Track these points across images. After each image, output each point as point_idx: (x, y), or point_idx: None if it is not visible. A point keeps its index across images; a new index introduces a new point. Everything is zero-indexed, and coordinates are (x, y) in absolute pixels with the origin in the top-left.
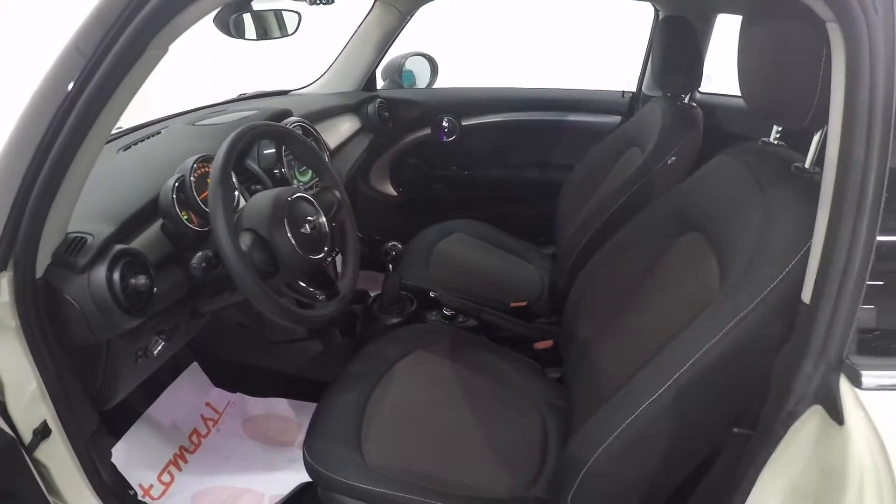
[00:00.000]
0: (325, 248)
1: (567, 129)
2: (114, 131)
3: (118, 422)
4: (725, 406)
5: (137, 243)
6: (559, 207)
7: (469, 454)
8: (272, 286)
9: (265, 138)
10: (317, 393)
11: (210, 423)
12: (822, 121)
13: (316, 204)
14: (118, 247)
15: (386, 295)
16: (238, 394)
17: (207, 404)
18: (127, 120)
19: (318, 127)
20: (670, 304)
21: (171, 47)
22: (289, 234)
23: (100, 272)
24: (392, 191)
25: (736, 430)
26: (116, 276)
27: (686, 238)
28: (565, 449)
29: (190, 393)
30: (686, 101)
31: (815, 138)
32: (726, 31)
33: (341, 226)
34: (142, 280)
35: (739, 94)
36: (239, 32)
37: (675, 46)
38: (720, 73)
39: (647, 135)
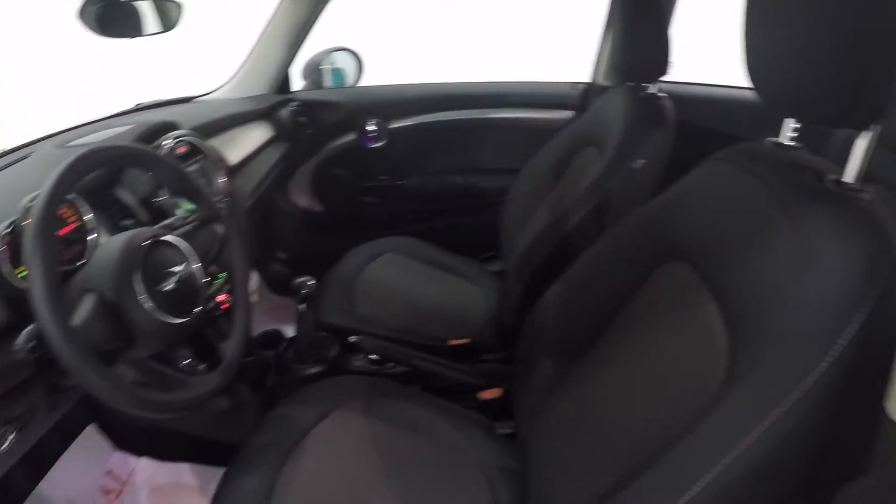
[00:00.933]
0: (199, 307)
1: (512, 128)
2: None
3: None
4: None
5: None
6: (505, 219)
7: None
8: (132, 363)
9: (107, 166)
10: (229, 456)
11: (112, 497)
12: (874, 115)
13: (185, 246)
14: None
15: (301, 340)
16: (143, 459)
17: (109, 473)
18: None
19: (217, 139)
20: (662, 355)
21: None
22: (142, 295)
23: None
24: (315, 206)
25: None
26: None
27: (668, 269)
28: None
29: (87, 462)
30: (651, 91)
31: (863, 143)
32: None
33: (227, 269)
34: None
35: (710, 82)
36: (108, 28)
37: (638, 24)
38: (681, 57)
39: (606, 132)
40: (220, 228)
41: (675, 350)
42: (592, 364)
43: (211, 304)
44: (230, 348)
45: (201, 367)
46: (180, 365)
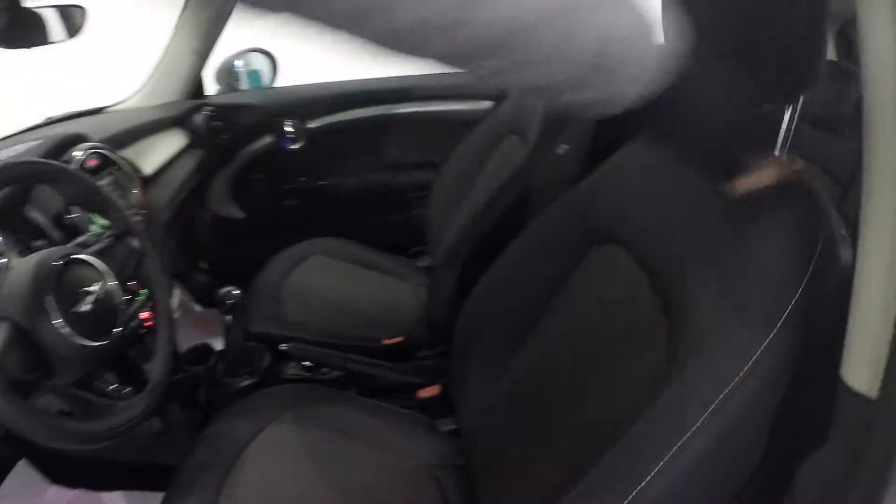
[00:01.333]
0: (119, 327)
1: (432, 122)
2: None
3: None
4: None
5: None
6: (430, 213)
7: None
8: (55, 392)
9: (13, 184)
10: (167, 479)
11: None
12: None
13: (100, 264)
14: None
15: (230, 353)
16: (79, 490)
17: None
18: None
19: (130, 150)
20: (601, 339)
21: None
22: (57, 319)
23: None
24: (237, 213)
25: None
26: None
27: (600, 252)
28: None
29: (21, 500)
30: None
31: (787, 116)
32: None
33: (147, 285)
34: None
35: None
36: (11, 39)
37: None
38: None
39: (528, 119)
40: (136, 243)
41: (613, 333)
42: (531, 353)
43: (132, 324)
44: (156, 368)
45: (127, 390)
46: (107, 390)
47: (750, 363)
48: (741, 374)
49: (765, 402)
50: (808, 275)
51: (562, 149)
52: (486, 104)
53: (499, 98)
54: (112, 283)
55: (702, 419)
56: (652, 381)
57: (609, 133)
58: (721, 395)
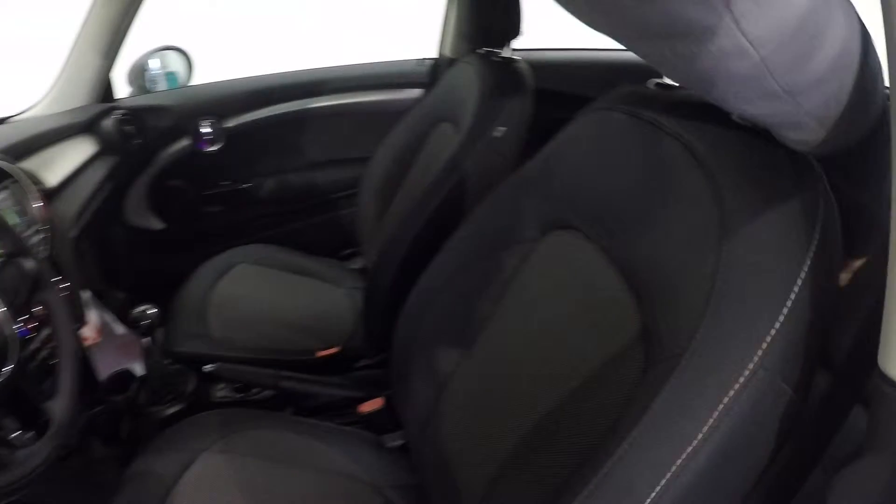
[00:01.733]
0: (11, 363)
1: (359, 114)
2: None
3: None
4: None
5: None
6: (361, 211)
7: None
8: None
9: None
10: None
11: None
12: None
13: None
14: None
15: (151, 378)
16: None
17: None
18: None
19: (32, 161)
20: (562, 335)
21: None
22: None
23: None
24: (155, 224)
25: None
26: None
27: (555, 238)
28: None
29: None
30: (504, 55)
31: None
32: None
33: (47, 310)
34: None
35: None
36: None
37: None
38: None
39: (461, 105)
40: (29, 264)
41: (579, 330)
42: (480, 357)
43: (29, 358)
44: (58, 407)
45: (29, 435)
46: (10, 437)
47: (752, 364)
48: (742, 379)
49: (774, 403)
50: (812, 254)
51: (499, 131)
52: (416, 92)
53: (428, 85)
54: (0, 311)
55: (701, 434)
56: (632, 387)
57: (544, 116)
58: (721, 406)
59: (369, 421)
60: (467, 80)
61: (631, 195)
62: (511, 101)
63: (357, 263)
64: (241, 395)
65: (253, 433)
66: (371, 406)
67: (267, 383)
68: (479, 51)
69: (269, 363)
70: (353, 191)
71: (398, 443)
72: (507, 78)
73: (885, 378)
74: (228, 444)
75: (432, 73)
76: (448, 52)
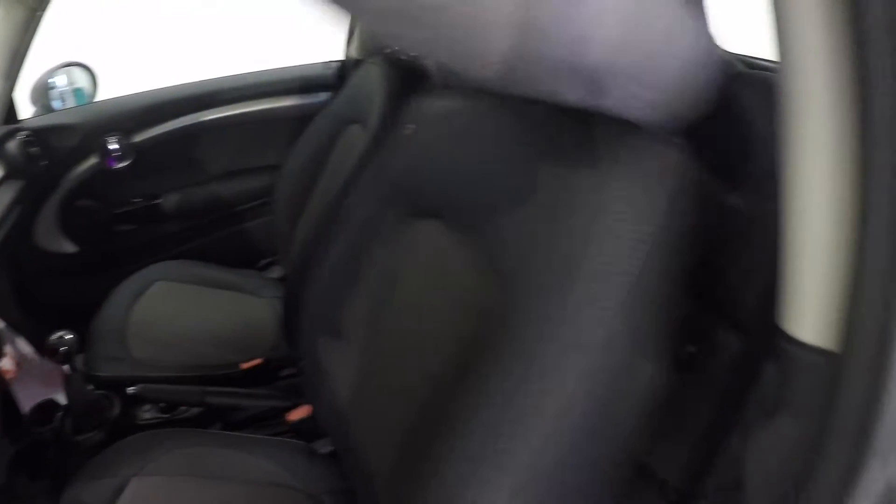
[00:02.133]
0: None
1: (268, 121)
2: None
3: None
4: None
5: None
6: (276, 220)
7: None
8: None
9: None
10: None
11: None
12: None
13: None
14: None
15: (74, 406)
16: None
17: None
18: None
19: None
20: (437, 322)
21: None
22: None
23: None
24: (68, 247)
25: None
26: None
27: (420, 229)
28: None
29: None
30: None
31: None
32: None
33: None
34: None
35: None
36: None
37: None
38: None
39: (368, 105)
40: None
41: (446, 315)
42: (370, 354)
43: None
44: None
45: None
46: None
47: (602, 336)
48: (597, 352)
49: (630, 375)
50: (658, 227)
51: (408, 129)
52: (324, 96)
53: (336, 88)
54: None
55: (563, 399)
56: (498, 362)
57: None
58: (577, 380)
59: (299, 429)
60: (374, 80)
61: (486, 178)
62: (418, 97)
63: (276, 273)
64: (168, 414)
65: (182, 452)
66: (299, 414)
67: (193, 401)
68: (385, 51)
69: (193, 380)
70: (267, 199)
71: (329, 448)
72: (414, 77)
73: (785, 336)
74: (159, 467)
75: (340, 76)
76: (355, 54)
